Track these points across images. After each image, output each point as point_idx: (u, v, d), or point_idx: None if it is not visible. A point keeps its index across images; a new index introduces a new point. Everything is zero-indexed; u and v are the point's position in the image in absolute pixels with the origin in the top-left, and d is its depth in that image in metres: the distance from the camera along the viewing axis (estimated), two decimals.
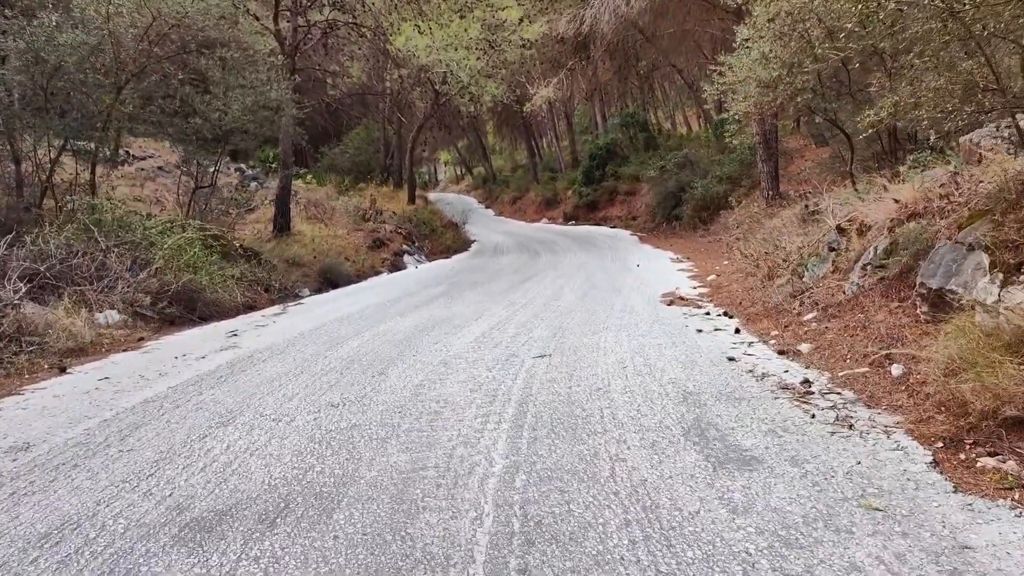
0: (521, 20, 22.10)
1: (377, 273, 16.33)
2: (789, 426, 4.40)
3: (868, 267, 6.66)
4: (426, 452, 4.28)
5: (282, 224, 16.57)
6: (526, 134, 43.95)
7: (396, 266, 17.38)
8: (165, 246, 10.47)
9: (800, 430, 4.32)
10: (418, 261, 18.56)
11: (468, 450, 4.28)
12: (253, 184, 23.14)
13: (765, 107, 10.91)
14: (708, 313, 8.66)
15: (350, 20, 17.24)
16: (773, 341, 6.74)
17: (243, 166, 24.99)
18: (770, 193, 19.34)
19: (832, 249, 7.87)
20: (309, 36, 16.89)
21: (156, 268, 10.25)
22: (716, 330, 7.57)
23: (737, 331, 7.38)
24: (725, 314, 8.44)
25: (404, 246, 18.82)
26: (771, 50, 10.30)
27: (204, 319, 10.18)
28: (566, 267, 15.63)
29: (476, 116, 23.38)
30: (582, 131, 42.43)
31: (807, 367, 5.73)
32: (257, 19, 14.56)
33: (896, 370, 4.95)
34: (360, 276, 15.57)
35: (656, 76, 35.95)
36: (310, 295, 13.02)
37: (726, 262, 14.38)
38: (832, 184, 17.30)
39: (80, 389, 6.39)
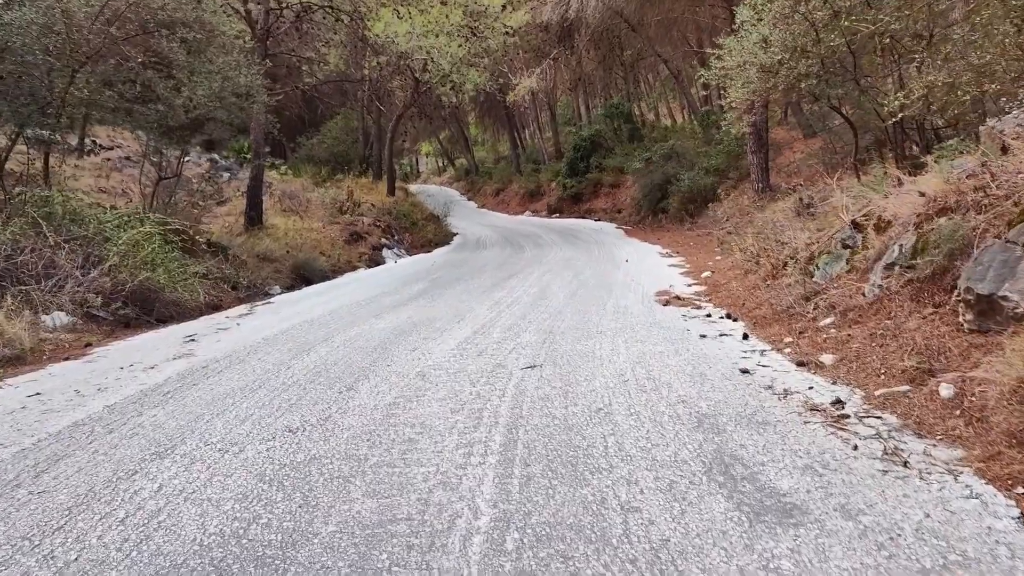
0: (504, 7, 21.26)
1: (354, 268, 15.48)
2: (829, 461, 3.69)
3: (894, 267, 5.96)
4: (397, 497, 3.52)
5: (254, 217, 15.69)
6: (509, 125, 43.10)
7: (374, 261, 16.54)
8: (120, 241, 9.60)
9: (844, 467, 3.60)
10: (397, 255, 17.74)
11: (448, 494, 3.52)
12: (226, 175, 22.21)
13: (766, 94, 10.20)
14: (709, 315, 7.95)
15: (326, 3, 16.32)
16: (788, 350, 6.02)
17: (216, 156, 24.03)
18: (760, 185, 18.74)
19: (847, 246, 7.17)
20: (282, 20, 15.98)
21: (110, 265, 9.39)
22: (721, 335, 6.86)
23: (745, 337, 6.67)
24: (728, 316, 7.74)
25: (383, 240, 17.97)
26: (771, 33, 9.59)
27: (162, 321, 9.34)
28: (552, 262, 14.89)
29: (457, 106, 22.48)
30: (565, 122, 41.69)
31: (834, 382, 5.02)
32: None
33: (945, 390, 4.24)
34: (336, 272, 14.74)
35: (641, 66, 35.26)
36: (281, 293, 12.18)
37: (719, 257, 13.71)
38: (825, 176, 16.71)
39: (5, 409, 5.55)
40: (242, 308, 10.47)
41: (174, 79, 12.00)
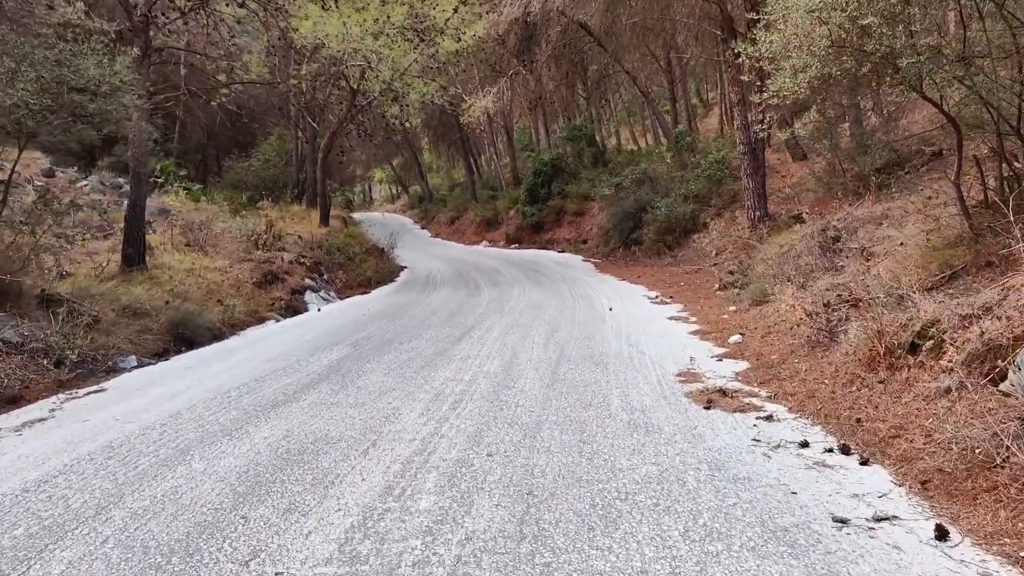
0: (456, 9, 17.74)
1: (262, 321, 11.62)
2: None
3: None
4: None
5: (133, 255, 11.79)
6: (464, 151, 39.57)
7: (293, 308, 12.72)
8: None
9: None
10: (325, 299, 13.93)
11: None
12: (127, 201, 18.18)
13: (825, 82, 6.81)
14: (805, 444, 4.38)
15: None
16: None
17: (121, 180, 20.00)
18: (756, 214, 15.44)
19: None
20: (172, 5, 12.26)
21: None
22: (877, 519, 3.30)
23: (941, 535, 3.10)
24: (845, 451, 4.20)
25: (307, 280, 14.14)
26: None
27: None
28: (516, 310, 11.30)
29: (404, 123, 18.94)
30: (523, 148, 38.30)
31: None
32: None
33: None
34: (235, 327, 10.86)
35: (605, 85, 32.15)
36: (136, 367, 8.33)
37: (733, 308, 10.27)
38: (844, 202, 13.50)
39: None
40: (47, 403, 6.59)
41: None
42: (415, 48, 17.16)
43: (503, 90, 28.62)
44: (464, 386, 6.36)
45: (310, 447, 4.76)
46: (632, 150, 31.83)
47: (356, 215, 33.69)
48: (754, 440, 4.53)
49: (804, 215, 14.86)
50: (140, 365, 8.42)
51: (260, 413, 5.71)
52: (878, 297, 6.02)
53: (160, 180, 19.95)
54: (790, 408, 5.21)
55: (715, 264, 15.57)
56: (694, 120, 31.48)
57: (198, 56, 15.54)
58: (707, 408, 5.32)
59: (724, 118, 27.87)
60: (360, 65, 16.30)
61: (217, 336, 10.28)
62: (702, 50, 26.31)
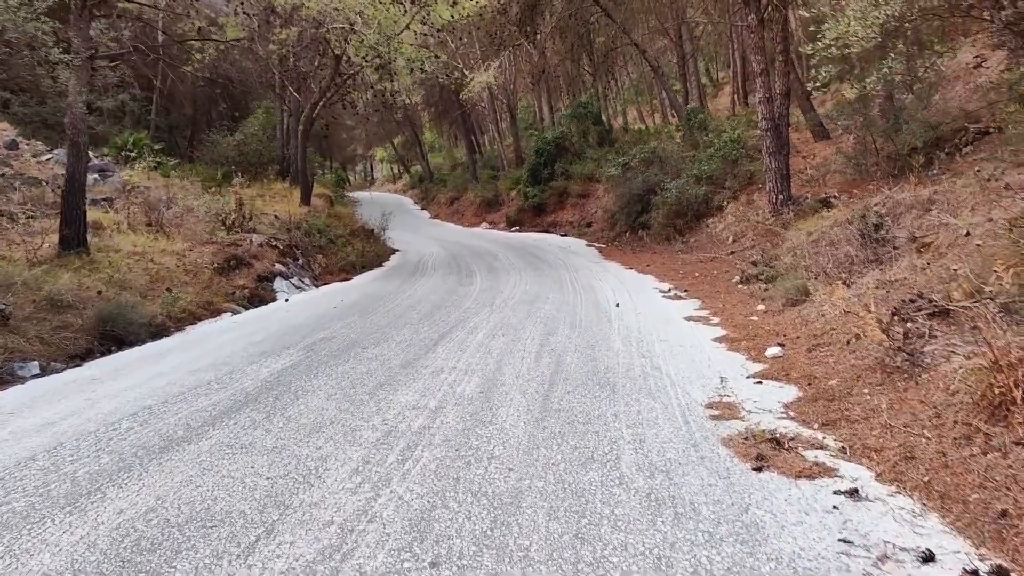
0: None
1: (217, 314, 10.00)
2: None
3: None
4: None
5: (70, 237, 10.17)
6: (465, 129, 37.78)
7: (258, 297, 11.10)
8: None
9: None
10: (297, 287, 12.29)
11: None
12: (93, 177, 16.55)
13: (913, 21, 5.12)
14: (929, 557, 2.75)
15: None
16: None
17: (92, 154, 18.33)
18: (779, 197, 13.71)
19: None
20: None
21: None
22: None
23: None
24: None
25: (278, 265, 12.51)
26: None
27: None
28: (509, 305, 9.67)
29: (394, 95, 17.17)
30: (526, 127, 36.45)
31: None
32: None
33: None
34: (182, 321, 9.27)
35: (613, 59, 30.20)
36: (39, 374, 6.74)
37: (761, 307, 8.60)
38: (884, 185, 11.82)
39: None
40: None
41: None
42: (405, 13, 15.39)
43: (505, 64, 26.86)
44: (426, 419, 4.74)
45: (173, 535, 3.15)
46: (640, 129, 29.95)
47: (355, 194, 31.97)
48: (843, 541, 2.90)
49: (833, 199, 13.19)
50: (43, 373, 6.82)
51: (138, 462, 4.10)
52: (984, 306, 4.36)
53: (133, 154, 18.32)
54: (879, 474, 3.57)
55: (732, 252, 13.91)
56: (704, 99, 29.65)
57: (160, 13, 13.79)
58: (758, 470, 3.69)
59: (735, 97, 26.06)
60: (342, 27, 14.55)
61: (158, 333, 8.68)
62: (716, 21, 24.48)
